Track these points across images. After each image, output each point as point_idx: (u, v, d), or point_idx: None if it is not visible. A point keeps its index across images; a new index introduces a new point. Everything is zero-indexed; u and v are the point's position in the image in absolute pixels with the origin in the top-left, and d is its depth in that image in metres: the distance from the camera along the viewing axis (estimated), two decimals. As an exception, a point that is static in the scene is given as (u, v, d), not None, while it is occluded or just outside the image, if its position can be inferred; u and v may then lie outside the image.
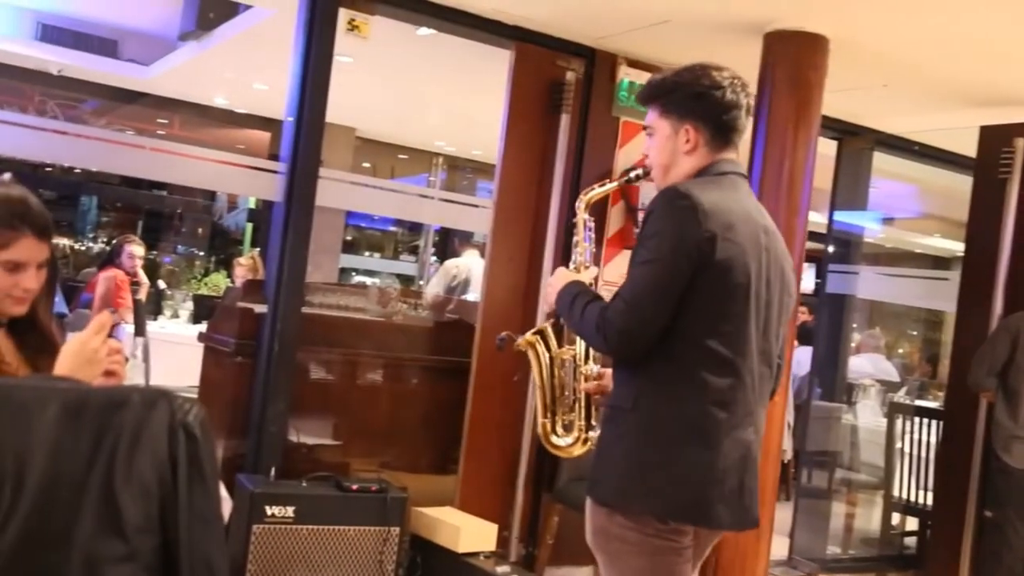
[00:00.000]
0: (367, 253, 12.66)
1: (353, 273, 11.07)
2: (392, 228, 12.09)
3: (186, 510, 1.56)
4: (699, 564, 2.25)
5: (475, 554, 3.63)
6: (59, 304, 6.48)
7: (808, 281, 8.00)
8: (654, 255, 2.04)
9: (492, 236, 4.22)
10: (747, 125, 2.24)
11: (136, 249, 6.72)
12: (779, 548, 5.11)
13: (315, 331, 4.13)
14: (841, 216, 5.53)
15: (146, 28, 6.41)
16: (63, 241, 12.09)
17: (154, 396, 1.58)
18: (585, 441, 2.41)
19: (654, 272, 2.04)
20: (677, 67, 2.23)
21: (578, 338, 2.38)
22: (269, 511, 3.38)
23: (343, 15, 3.79)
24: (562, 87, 4.25)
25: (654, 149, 2.23)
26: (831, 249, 5.67)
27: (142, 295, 6.58)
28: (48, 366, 1.92)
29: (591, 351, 2.42)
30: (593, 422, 2.40)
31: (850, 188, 5.50)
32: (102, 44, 6.51)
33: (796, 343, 7.84)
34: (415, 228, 10.59)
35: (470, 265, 5.75)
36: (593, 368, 2.42)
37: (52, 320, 2.76)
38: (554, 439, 2.45)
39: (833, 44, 3.79)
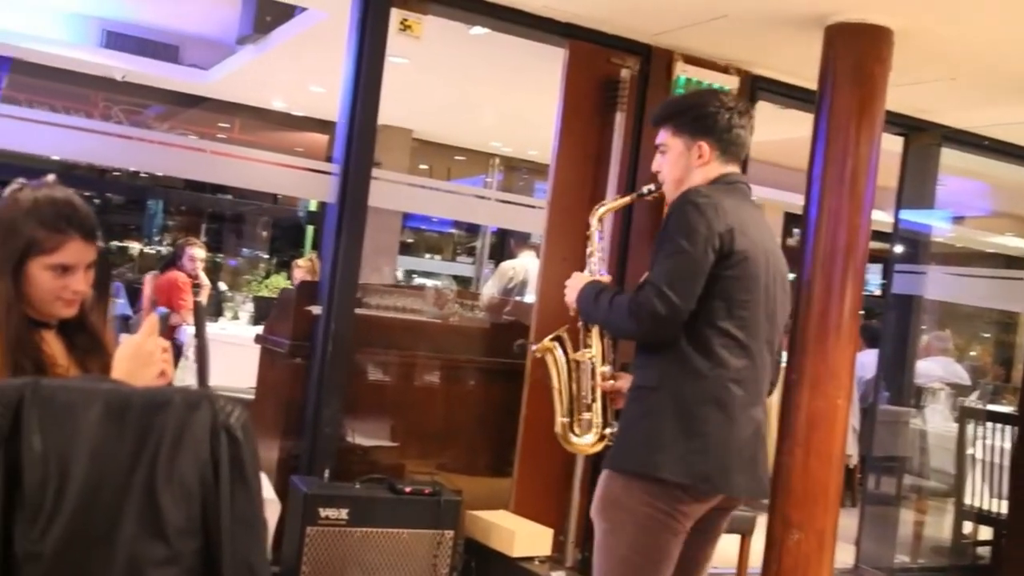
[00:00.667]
0: (428, 255, 12.70)
1: (414, 276, 11.10)
2: (450, 230, 12.10)
3: (228, 512, 1.54)
4: (715, 540, 2.50)
5: (530, 559, 3.58)
6: (124, 306, 6.62)
7: (873, 282, 7.80)
8: (681, 247, 2.24)
9: (546, 236, 4.17)
10: (749, 142, 2.52)
11: (197, 252, 6.82)
12: (845, 556, 4.98)
13: (371, 332, 4.13)
14: (908, 215, 5.37)
15: (206, 33, 6.50)
16: (131, 244, 12.33)
17: (196, 398, 1.57)
18: (603, 438, 2.52)
19: (682, 261, 2.24)
20: (685, 93, 2.67)
21: (594, 340, 2.51)
22: (323, 513, 3.37)
23: (395, 15, 3.77)
24: (617, 85, 4.18)
25: (667, 164, 2.47)
26: (898, 249, 5.51)
27: (203, 297, 6.67)
28: (98, 367, 1.92)
29: (606, 353, 2.53)
30: (610, 419, 2.52)
31: (917, 186, 5.34)
32: (164, 50, 6.62)
33: (862, 345, 7.70)
34: (472, 230, 10.59)
35: (527, 266, 5.70)
36: (608, 369, 2.53)
37: (104, 320, 2.79)
38: (572, 438, 2.55)
39: (898, 36, 3.67)
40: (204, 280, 6.82)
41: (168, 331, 6.46)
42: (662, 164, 2.49)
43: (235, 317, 7.02)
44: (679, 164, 2.44)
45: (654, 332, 2.27)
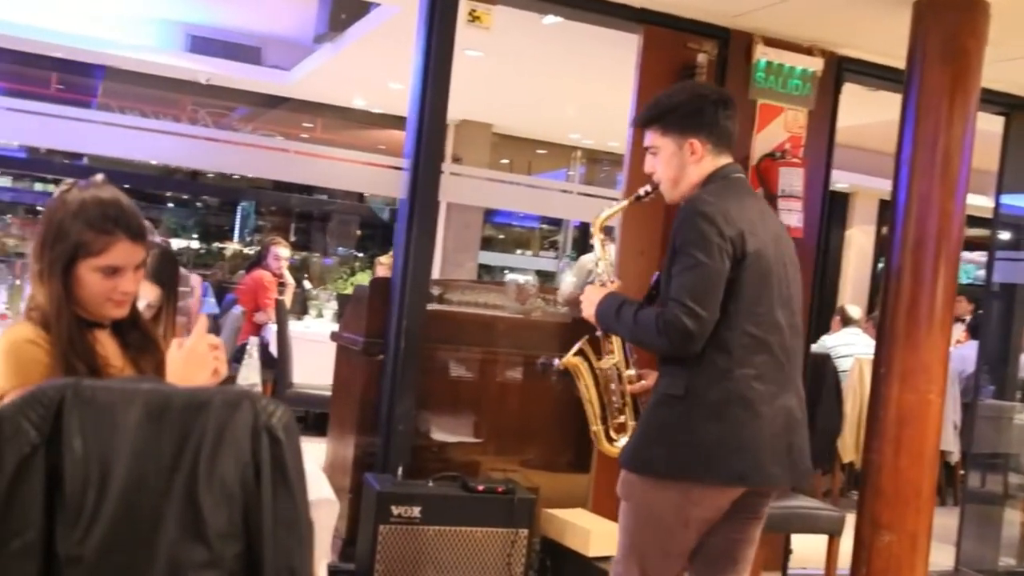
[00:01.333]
0: (518, 251, 12.68)
1: (505, 271, 11.08)
2: (533, 225, 12.07)
3: (270, 515, 1.50)
4: (760, 523, 2.53)
5: (606, 558, 3.48)
6: (211, 305, 6.74)
7: (970, 270, 7.45)
8: (698, 259, 2.27)
9: (622, 229, 4.07)
10: (737, 131, 2.53)
11: (281, 251, 6.90)
12: (944, 557, 4.75)
13: (451, 328, 4.09)
14: (1010, 199, 5.08)
15: (286, 34, 6.57)
16: (226, 245, 12.63)
17: (237, 398, 1.53)
18: None
19: (703, 274, 2.27)
20: (665, 92, 2.55)
21: (616, 346, 2.60)
22: (395, 511, 3.34)
23: (464, 6, 3.72)
24: (693, 71, 4.05)
25: (661, 165, 2.49)
26: (1001, 235, 5.22)
27: (287, 295, 6.75)
28: (150, 366, 1.91)
29: (628, 357, 2.62)
30: None
31: (1020, 168, 5.05)
32: (247, 52, 6.71)
33: (965, 337, 7.36)
34: (555, 224, 10.51)
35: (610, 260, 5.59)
36: (633, 371, 2.61)
37: (173, 317, 2.80)
38: (612, 445, 2.64)
39: (995, 9, 3.44)
40: (289, 279, 6.90)
41: (254, 329, 6.54)
42: (655, 165, 2.51)
43: (319, 315, 7.10)
44: (672, 163, 2.46)
45: (684, 348, 2.29)
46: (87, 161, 12.59)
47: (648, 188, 2.58)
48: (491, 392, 4.30)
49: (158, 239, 3.78)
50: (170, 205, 13.82)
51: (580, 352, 2.67)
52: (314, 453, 5.29)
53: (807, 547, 4.30)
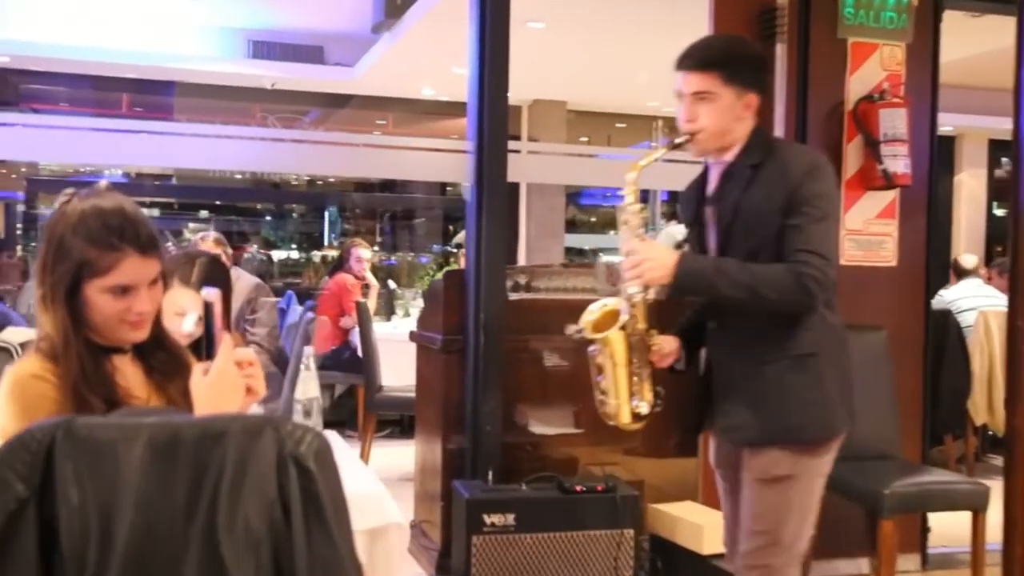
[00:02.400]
0: (609, 232, 12.35)
1: (600, 254, 10.73)
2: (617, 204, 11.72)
3: (303, 558, 1.27)
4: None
5: (722, 555, 3.18)
6: (294, 314, 6.62)
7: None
8: (827, 212, 2.25)
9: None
10: None
11: (363, 252, 6.74)
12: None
13: (532, 317, 3.84)
14: None
15: (346, 29, 6.39)
16: (316, 253, 12.64)
17: (258, 425, 1.30)
18: (656, 406, 2.44)
19: (831, 228, 2.28)
20: (725, 37, 2.63)
21: (641, 312, 2.35)
22: (488, 520, 3.10)
23: (515, -31, 3.45)
24: (773, 13, 3.70)
25: (713, 113, 2.29)
26: None
27: (372, 297, 6.59)
28: (179, 392, 1.70)
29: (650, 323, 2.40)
30: (659, 388, 2.44)
31: None
32: (309, 52, 6.57)
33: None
34: (642, 199, 10.14)
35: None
36: (658, 340, 2.42)
37: (228, 327, 2.60)
38: (631, 420, 2.44)
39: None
40: (372, 280, 6.74)
41: (341, 335, 6.36)
42: (700, 112, 2.29)
43: (406, 314, 6.92)
44: (727, 115, 2.29)
45: (818, 302, 2.23)
46: (176, 181, 12.80)
47: (686, 137, 2.35)
48: (585, 381, 4.02)
49: (254, 250, 3.64)
50: (267, 218, 13.95)
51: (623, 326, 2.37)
52: (400, 460, 5.14)
53: (946, 523, 3.90)
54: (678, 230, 5.46)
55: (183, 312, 2.19)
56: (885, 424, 3.50)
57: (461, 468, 3.55)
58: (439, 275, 8.16)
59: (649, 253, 2.28)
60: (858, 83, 3.75)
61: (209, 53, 6.46)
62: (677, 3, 4.04)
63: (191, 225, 12.07)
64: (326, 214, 13.32)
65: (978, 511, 3.41)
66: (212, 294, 1.56)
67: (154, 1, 6.19)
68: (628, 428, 2.48)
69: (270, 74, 6.56)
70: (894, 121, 3.67)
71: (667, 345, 2.43)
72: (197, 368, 1.58)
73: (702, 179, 2.48)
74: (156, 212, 12.43)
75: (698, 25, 3.80)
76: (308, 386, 2.29)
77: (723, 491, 2.53)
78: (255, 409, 1.82)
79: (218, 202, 13.53)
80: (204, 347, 1.57)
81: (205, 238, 4.83)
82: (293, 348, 4.19)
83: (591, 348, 2.41)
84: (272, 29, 6.45)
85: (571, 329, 2.44)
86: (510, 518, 3.11)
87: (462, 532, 3.12)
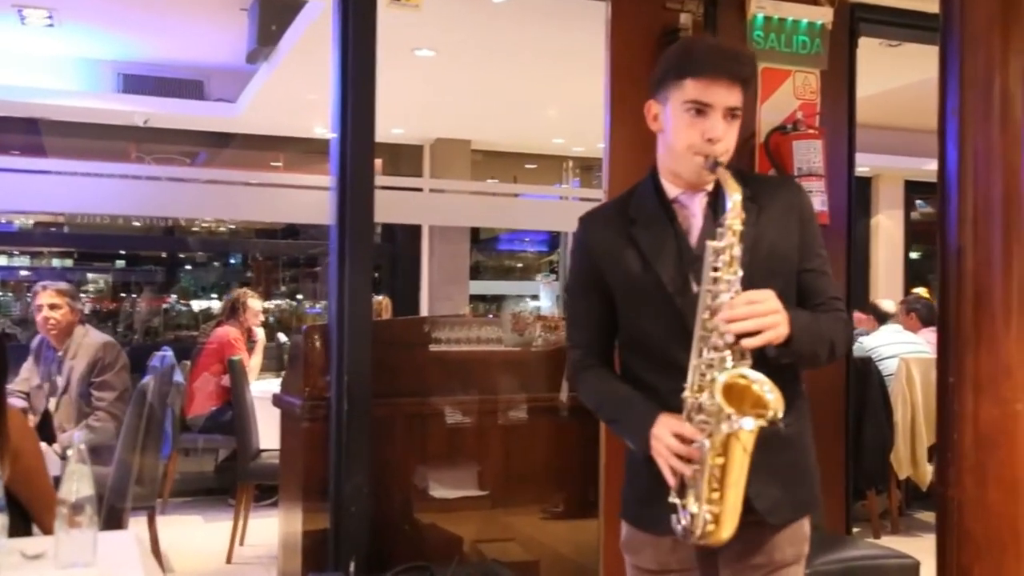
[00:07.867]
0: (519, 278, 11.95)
1: (529, 299, 10.25)
2: (529, 249, 11.35)
3: None
4: None
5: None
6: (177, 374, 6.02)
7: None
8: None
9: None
10: None
11: (252, 303, 6.23)
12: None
13: (437, 371, 3.42)
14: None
15: (226, 62, 5.88)
16: (194, 303, 11.89)
17: None
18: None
19: None
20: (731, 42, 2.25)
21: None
22: (344, 624, 2.60)
23: (382, -18, 3.03)
24: (676, 35, 3.34)
25: (735, 135, 1.90)
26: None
27: (257, 353, 6.08)
28: None
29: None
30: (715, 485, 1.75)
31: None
32: (187, 87, 6.05)
33: None
34: (553, 246, 9.82)
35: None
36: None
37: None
38: (716, 528, 1.77)
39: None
40: (259, 335, 6.20)
41: (223, 394, 5.77)
42: (727, 132, 1.87)
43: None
44: (738, 131, 1.93)
45: None
46: (68, 229, 12.03)
47: (720, 160, 1.85)
48: (490, 445, 3.59)
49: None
50: (187, 267, 13.26)
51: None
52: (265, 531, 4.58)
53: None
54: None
55: None
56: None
57: (324, 553, 3.04)
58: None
59: (761, 295, 1.71)
60: (770, 112, 3.42)
61: (74, 87, 5.90)
62: (570, 25, 3.67)
63: (89, 276, 11.33)
64: (229, 261, 12.70)
65: (910, 590, 3.04)
66: None
67: (12, 33, 5.66)
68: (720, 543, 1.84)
69: (143, 110, 6.00)
70: (809, 154, 3.34)
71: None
72: None
73: (621, 217, 1.97)
74: (55, 262, 11.64)
75: (594, 49, 3.45)
76: (81, 484, 1.78)
77: None
78: None
79: (121, 251, 12.78)
80: None
81: (46, 287, 4.26)
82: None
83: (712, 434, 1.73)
84: (144, 62, 5.92)
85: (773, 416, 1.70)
86: (372, 623, 2.62)
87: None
